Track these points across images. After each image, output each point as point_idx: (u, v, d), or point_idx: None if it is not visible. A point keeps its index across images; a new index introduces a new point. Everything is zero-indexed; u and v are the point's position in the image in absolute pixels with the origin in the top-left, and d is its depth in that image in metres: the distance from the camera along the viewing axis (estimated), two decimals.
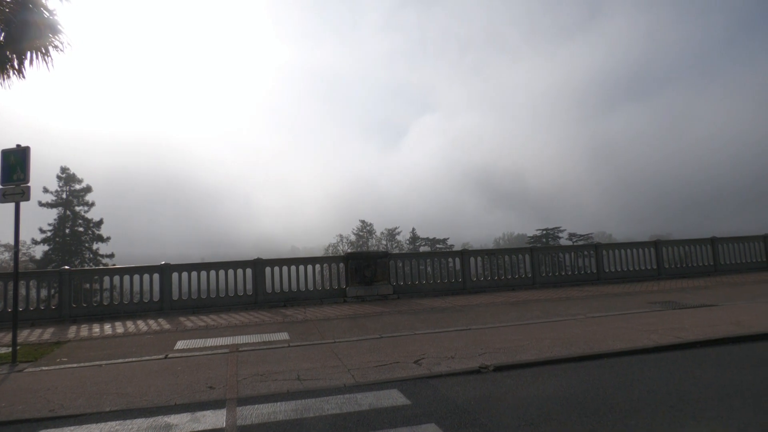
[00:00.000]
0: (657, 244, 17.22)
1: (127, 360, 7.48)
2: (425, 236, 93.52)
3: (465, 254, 15.69)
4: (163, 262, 13.42)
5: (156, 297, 13.12)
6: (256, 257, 14.03)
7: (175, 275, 13.42)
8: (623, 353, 6.67)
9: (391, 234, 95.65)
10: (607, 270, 16.52)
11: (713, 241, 17.63)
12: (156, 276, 13.19)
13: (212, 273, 13.55)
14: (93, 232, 52.33)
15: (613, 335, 7.68)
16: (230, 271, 13.69)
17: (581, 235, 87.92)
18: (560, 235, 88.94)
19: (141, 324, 11.26)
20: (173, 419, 4.78)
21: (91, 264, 49.91)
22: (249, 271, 13.79)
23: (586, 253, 16.96)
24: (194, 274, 13.45)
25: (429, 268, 15.76)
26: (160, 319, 11.86)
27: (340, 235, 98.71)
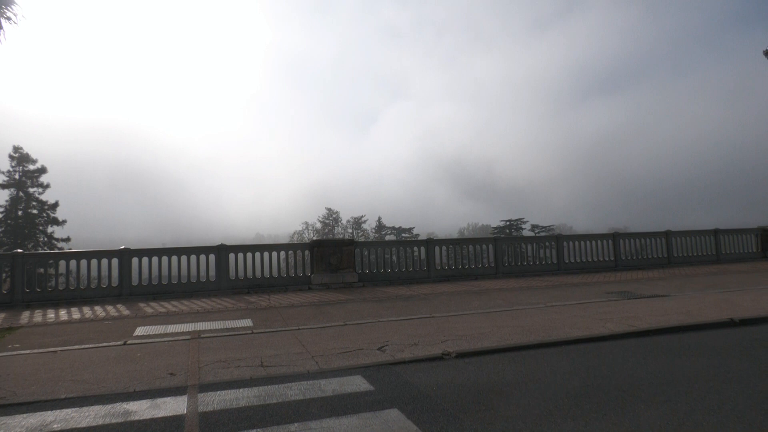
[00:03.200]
0: (615, 237, 17.78)
1: (83, 346, 7.28)
2: (391, 225, 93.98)
3: (430, 243, 15.84)
4: (122, 247, 13.07)
5: (115, 282, 12.78)
6: (219, 243, 13.82)
7: (135, 260, 13.10)
8: (580, 341, 6.89)
9: (357, 222, 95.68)
10: (567, 261, 16.98)
11: (668, 235, 18.31)
12: (115, 261, 12.84)
13: (174, 258, 13.28)
14: (48, 214, 50.38)
15: (571, 323, 7.92)
16: (192, 257, 13.45)
17: (544, 227, 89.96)
18: (523, 226, 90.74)
19: (99, 310, 10.97)
20: (132, 406, 4.70)
21: (45, 248, 48.14)
22: (212, 257, 13.58)
23: (547, 244, 17.37)
24: (155, 259, 13.16)
25: (394, 257, 15.86)
26: (119, 305, 11.58)
27: (306, 223, 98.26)
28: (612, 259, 17.49)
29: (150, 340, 7.61)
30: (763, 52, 19.71)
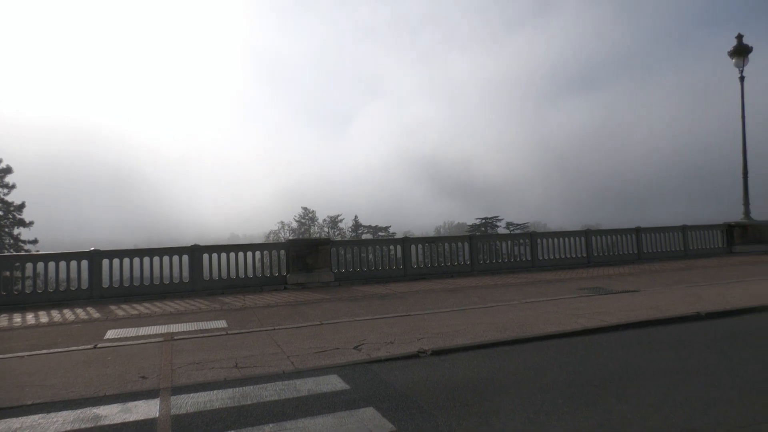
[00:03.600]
0: (587, 234, 18.10)
1: (52, 351, 7.10)
2: (368, 224, 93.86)
3: (406, 242, 15.89)
4: (92, 248, 12.77)
5: (85, 285, 12.48)
6: (193, 243, 13.61)
7: (105, 262, 12.80)
8: (553, 336, 7.00)
9: (334, 221, 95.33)
10: (541, 258, 17.21)
11: (638, 231, 18.72)
12: (85, 263, 12.53)
13: (146, 260, 13.02)
14: (14, 216, 48.86)
15: (544, 319, 8.04)
16: (165, 258, 13.21)
17: (518, 225, 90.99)
18: (498, 224, 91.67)
19: (68, 313, 10.70)
20: (102, 410, 4.60)
21: (11, 250, 46.68)
22: (185, 257, 13.36)
23: (522, 241, 17.58)
24: (126, 260, 12.89)
25: (371, 256, 15.85)
26: (89, 308, 11.31)
27: (282, 222, 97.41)
28: (584, 255, 17.79)
29: (121, 343, 7.46)
30: (728, 53, 20.30)
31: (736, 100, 20.15)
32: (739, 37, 19.88)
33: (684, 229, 19.41)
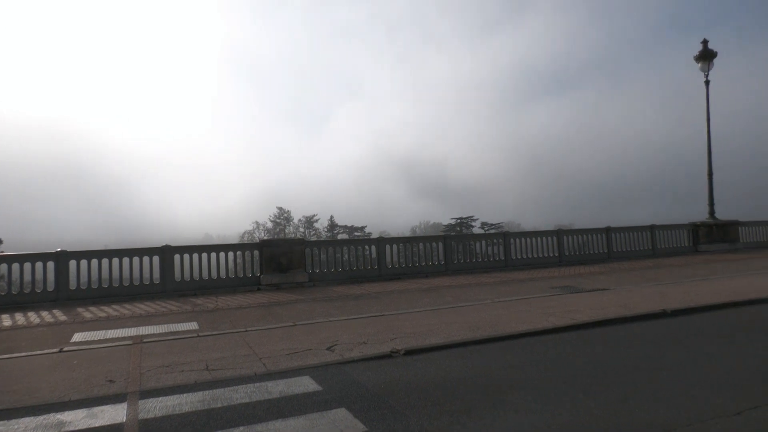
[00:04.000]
0: (559, 233, 18.40)
1: (14, 355, 6.89)
2: (343, 224, 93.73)
3: (381, 242, 15.90)
4: (59, 249, 12.44)
5: (51, 287, 12.14)
6: (164, 244, 13.37)
7: (73, 263, 12.47)
8: (524, 335, 7.10)
9: (309, 221, 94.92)
10: (514, 257, 17.42)
11: (608, 231, 19.10)
12: (51, 264, 12.18)
13: (115, 261, 12.73)
14: None
15: (516, 318, 8.15)
16: (135, 259, 12.94)
17: (492, 224, 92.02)
18: (473, 224, 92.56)
19: (33, 316, 10.39)
20: (67, 416, 4.49)
21: None
22: (156, 258, 13.12)
23: (495, 241, 17.78)
24: (95, 261, 12.59)
25: (346, 256, 15.81)
26: (55, 311, 11.00)
27: (257, 222, 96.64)
28: (557, 255, 18.07)
29: (88, 347, 7.29)
30: (695, 57, 20.87)
31: (703, 103, 20.73)
32: (705, 42, 20.46)
33: (652, 228, 19.89)
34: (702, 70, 20.61)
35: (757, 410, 4.08)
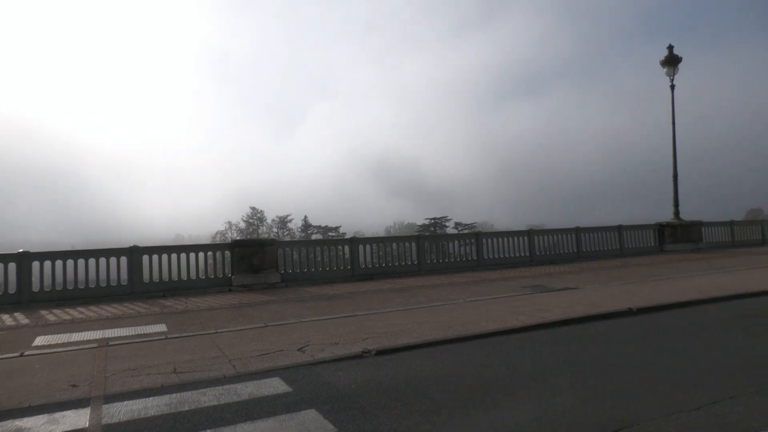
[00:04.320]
0: (530, 233, 18.67)
1: None
2: (317, 224, 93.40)
3: (355, 242, 15.88)
4: (21, 250, 12.05)
5: (12, 289, 11.76)
6: (132, 245, 13.09)
7: (36, 264, 12.11)
8: (495, 333, 7.17)
9: (283, 221, 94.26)
10: (486, 257, 17.61)
11: (577, 231, 19.48)
12: (12, 265, 11.80)
13: (81, 262, 12.41)
14: None
15: (487, 317, 8.23)
16: (102, 260, 12.64)
17: (466, 225, 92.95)
18: (447, 224, 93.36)
19: None
20: (26, 422, 4.34)
21: None
22: (124, 259, 12.83)
23: (468, 241, 17.94)
24: (59, 263, 12.24)
25: (319, 256, 15.75)
26: (16, 314, 10.66)
27: (229, 222, 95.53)
28: (528, 254, 18.34)
29: (51, 350, 7.08)
30: (660, 62, 21.43)
31: (668, 107, 21.33)
32: (670, 47, 21.05)
33: (620, 229, 20.36)
34: (667, 74, 21.21)
35: (715, 405, 4.21)
